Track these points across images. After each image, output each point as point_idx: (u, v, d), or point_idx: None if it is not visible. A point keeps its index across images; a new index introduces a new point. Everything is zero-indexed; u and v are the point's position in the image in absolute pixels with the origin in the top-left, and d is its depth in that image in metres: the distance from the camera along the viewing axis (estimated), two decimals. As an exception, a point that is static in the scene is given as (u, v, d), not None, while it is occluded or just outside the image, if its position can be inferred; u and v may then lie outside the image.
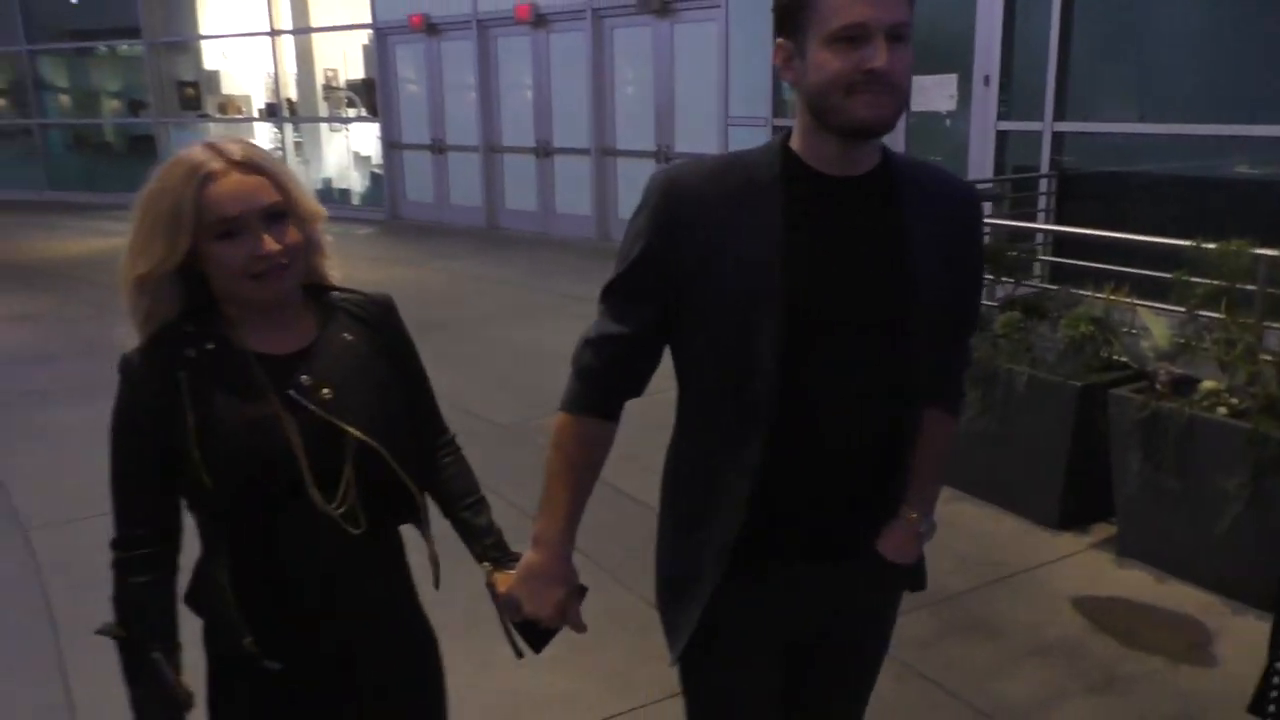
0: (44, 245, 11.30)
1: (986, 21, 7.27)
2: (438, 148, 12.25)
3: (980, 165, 7.29)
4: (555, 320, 7.16)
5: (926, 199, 1.44)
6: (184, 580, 1.49)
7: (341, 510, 1.41)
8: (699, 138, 9.65)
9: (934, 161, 1.43)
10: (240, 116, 14.75)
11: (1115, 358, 3.66)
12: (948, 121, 7.69)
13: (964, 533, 3.76)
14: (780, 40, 1.39)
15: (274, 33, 13.67)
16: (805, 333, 1.36)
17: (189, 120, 15.06)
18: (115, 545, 1.43)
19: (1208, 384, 3.27)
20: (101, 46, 16.29)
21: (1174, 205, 6.50)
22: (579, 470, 1.48)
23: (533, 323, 7.19)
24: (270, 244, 1.37)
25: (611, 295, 1.46)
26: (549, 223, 11.28)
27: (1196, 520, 3.24)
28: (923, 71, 7.53)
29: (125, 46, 15.68)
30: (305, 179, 13.94)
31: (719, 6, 9.22)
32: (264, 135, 14.49)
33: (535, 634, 1.53)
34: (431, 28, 11.81)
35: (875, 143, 1.41)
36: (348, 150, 14.10)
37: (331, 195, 13.75)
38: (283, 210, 1.40)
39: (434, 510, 1.61)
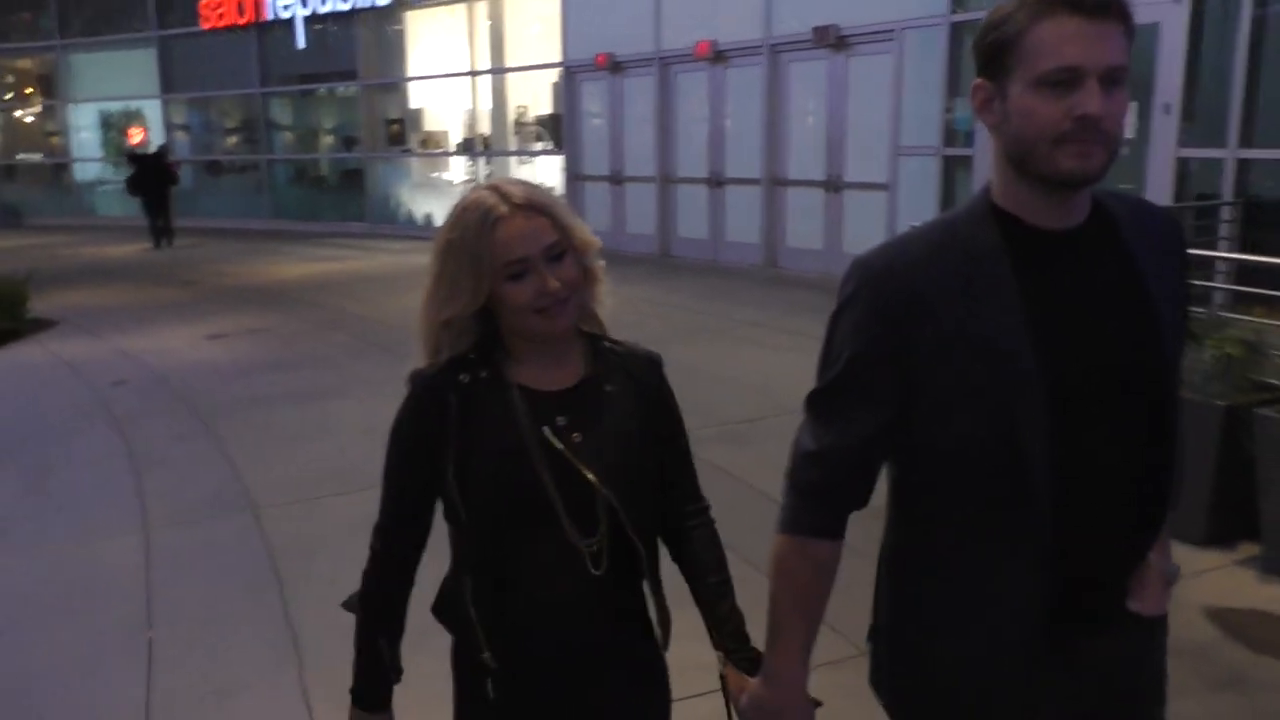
0: (268, 269, 12.63)
1: (1169, 48, 7.14)
2: (616, 179, 12.89)
3: (1159, 193, 7.14)
4: (720, 342, 7.54)
5: (1144, 236, 1.34)
6: (431, 591, 1.61)
7: (594, 550, 1.47)
8: (869, 168, 9.82)
9: (1123, 190, 1.30)
10: (439, 151, 15.96)
11: (1265, 380, 3.65)
12: (1126, 150, 7.56)
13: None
14: (980, 80, 1.29)
15: (473, 73, 14.77)
16: (1070, 407, 1.27)
17: (394, 155, 16.42)
18: (379, 533, 1.57)
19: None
20: (322, 88, 18.00)
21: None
22: (810, 599, 1.39)
23: (700, 342, 7.57)
24: (553, 282, 1.43)
25: (830, 401, 1.36)
26: (719, 250, 11.66)
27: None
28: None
29: (343, 88, 17.29)
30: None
31: (892, 39, 9.38)
32: (459, 167, 15.63)
33: None
34: (616, 65, 12.48)
35: (1084, 191, 1.30)
36: (535, 181, 14.97)
37: (518, 223, 14.65)
38: (562, 249, 1.46)
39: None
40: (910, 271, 1.29)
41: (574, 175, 13.48)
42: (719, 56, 11.26)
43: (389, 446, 1.54)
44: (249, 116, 18.44)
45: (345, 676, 1.63)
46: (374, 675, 1.59)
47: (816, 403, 1.37)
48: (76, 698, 3.12)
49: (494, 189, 1.46)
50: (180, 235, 15.41)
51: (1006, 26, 1.23)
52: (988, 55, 1.26)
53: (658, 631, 1.59)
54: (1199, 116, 7.14)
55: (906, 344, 1.27)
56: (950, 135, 9.03)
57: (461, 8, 14.71)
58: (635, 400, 1.54)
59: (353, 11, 15.79)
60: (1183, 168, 7.22)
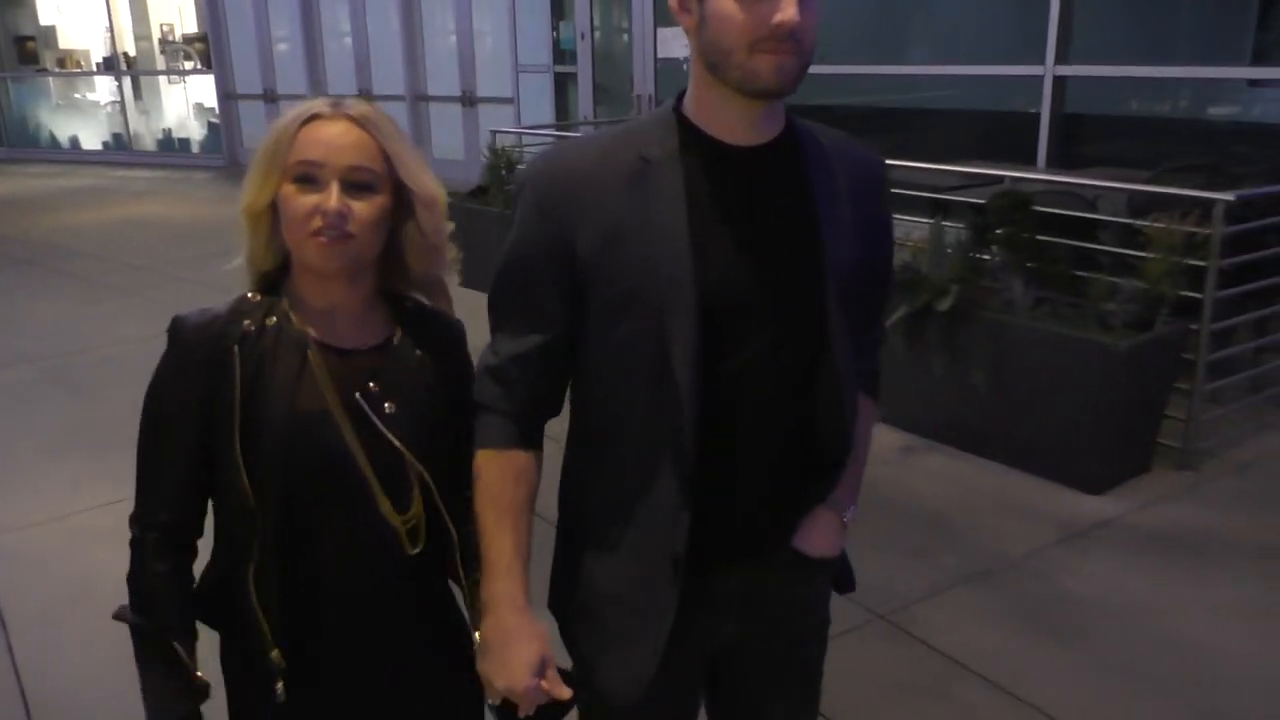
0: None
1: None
2: (270, 96, 13.24)
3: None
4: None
5: (834, 167, 1.32)
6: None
7: (410, 525, 1.33)
8: (497, 84, 11.02)
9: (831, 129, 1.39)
10: (79, 70, 15.33)
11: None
12: (685, 66, 9.25)
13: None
14: None
15: (106, -12, 14.32)
16: (722, 326, 1.25)
17: (27, 75, 15.55)
18: (134, 521, 1.32)
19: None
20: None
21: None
22: (515, 513, 1.32)
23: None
24: (334, 203, 1.24)
25: (504, 306, 1.33)
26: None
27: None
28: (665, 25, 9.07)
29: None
30: (145, 129, 14.83)
31: (505, -33, 10.55)
32: (104, 87, 15.14)
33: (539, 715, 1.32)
34: (257, -16, 12.74)
35: (779, 105, 1.28)
36: (186, 101, 14.89)
37: (172, 145, 14.59)
38: (372, 182, 1.27)
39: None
40: (578, 169, 1.26)
41: (226, 94, 13.64)
42: (357, -24, 11.92)
43: (146, 413, 1.31)
44: None
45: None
46: (172, 699, 1.29)
47: (491, 310, 1.34)
48: None
49: (334, 99, 1.31)
50: None
51: None
52: None
53: (468, 616, 1.43)
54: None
55: (572, 243, 1.25)
56: (559, 55, 10.39)
57: (88, -83, 14.16)
58: (443, 370, 1.39)
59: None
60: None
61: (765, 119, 1.28)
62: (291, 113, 1.30)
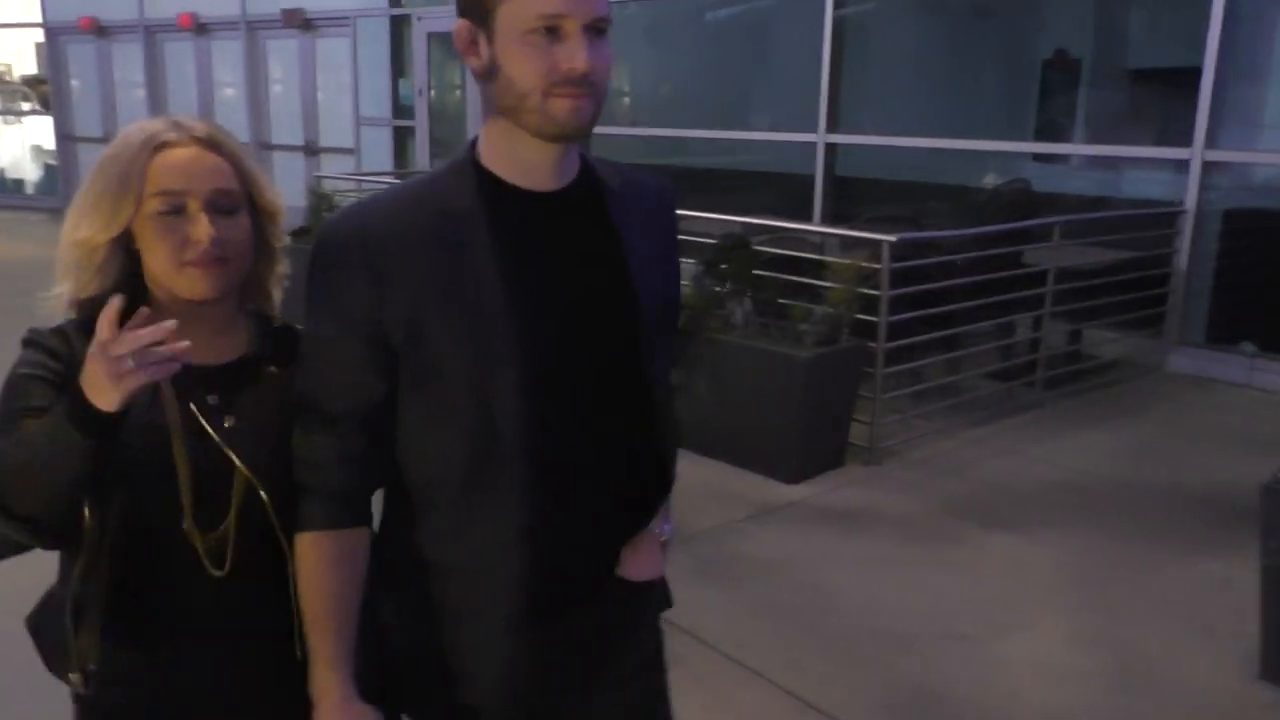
0: None
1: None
2: (109, 139, 13.23)
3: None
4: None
5: (631, 203, 1.34)
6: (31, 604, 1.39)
7: (209, 544, 1.28)
8: (339, 134, 11.48)
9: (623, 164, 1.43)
10: (-92, 107, 14.99)
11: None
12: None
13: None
14: (463, 22, 1.22)
15: (-59, 27, 14.16)
16: (545, 378, 1.24)
17: None
18: None
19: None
20: None
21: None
22: (339, 599, 1.29)
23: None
24: (207, 230, 1.24)
25: (315, 382, 1.27)
26: (217, 208, 12.65)
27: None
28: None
29: None
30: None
31: (348, 24, 11.08)
32: (-66, 126, 14.84)
33: None
34: (101, 30, 12.88)
35: (575, 147, 1.29)
36: (23, 142, 14.74)
37: (6, 185, 14.41)
38: (235, 204, 1.29)
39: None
40: (377, 230, 1.22)
41: (65, 135, 13.63)
42: (202, 29, 12.23)
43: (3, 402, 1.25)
44: None
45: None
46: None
47: (301, 386, 1.28)
48: None
49: (173, 119, 1.29)
50: None
51: None
52: None
53: (297, 643, 1.35)
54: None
55: (379, 307, 1.21)
56: (398, 109, 10.96)
57: (-77, -44, 14.02)
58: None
59: None
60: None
61: (564, 162, 1.28)
62: (133, 138, 1.27)
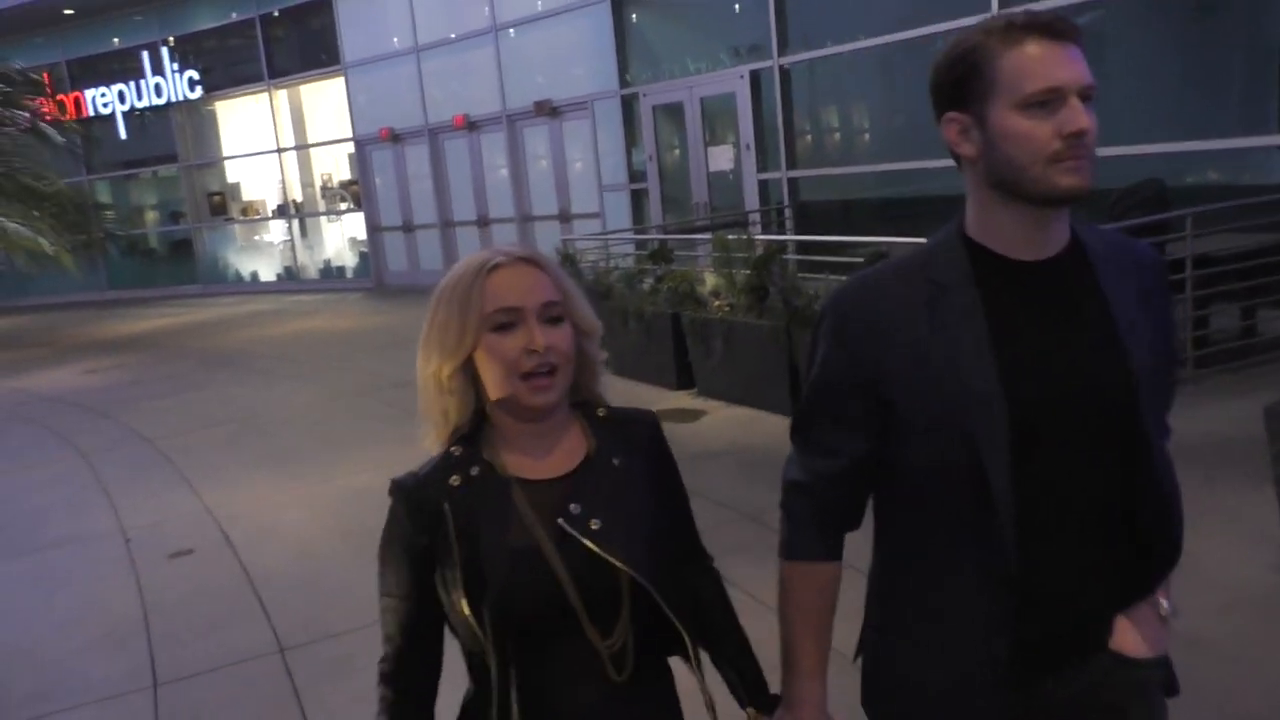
0: (115, 327, 15.09)
1: (743, 108, 10.82)
2: (407, 227, 15.95)
3: (750, 203, 10.78)
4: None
5: (1121, 271, 1.35)
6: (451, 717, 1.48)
7: (615, 649, 1.36)
8: (586, 201, 13.25)
9: (1106, 228, 1.41)
10: (258, 217, 18.61)
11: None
12: (730, 176, 11.23)
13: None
14: (954, 113, 1.30)
15: (279, 150, 17.57)
16: (1035, 441, 1.28)
17: (218, 224, 18.95)
18: (387, 678, 1.40)
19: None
20: (146, 171, 20.27)
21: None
22: (819, 620, 1.43)
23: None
24: (544, 338, 1.33)
25: (807, 430, 1.41)
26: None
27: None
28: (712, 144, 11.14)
29: (164, 169, 19.63)
30: (310, 261, 17.84)
31: (587, 107, 12.87)
32: (277, 229, 18.32)
33: None
34: (396, 137, 15.58)
35: (1065, 216, 1.33)
36: (342, 236, 17.87)
37: (331, 272, 17.54)
38: (561, 315, 1.37)
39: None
40: (875, 299, 1.33)
41: (374, 227, 16.47)
42: (473, 126, 14.53)
43: (381, 574, 1.39)
44: (79, 201, 20.36)
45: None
46: None
47: (797, 431, 1.43)
48: None
49: (496, 248, 1.40)
50: (19, 314, 17.49)
51: (975, 56, 1.27)
52: (956, 87, 1.29)
53: (709, 716, 1.46)
54: (766, 150, 10.84)
55: (874, 369, 1.32)
56: (634, 174, 12.55)
57: (264, 95, 17.49)
58: (644, 469, 1.44)
59: (168, 105, 18.29)
60: (761, 186, 10.90)
61: (1055, 230, 1.32)
62: (466, 268, 1.37)
